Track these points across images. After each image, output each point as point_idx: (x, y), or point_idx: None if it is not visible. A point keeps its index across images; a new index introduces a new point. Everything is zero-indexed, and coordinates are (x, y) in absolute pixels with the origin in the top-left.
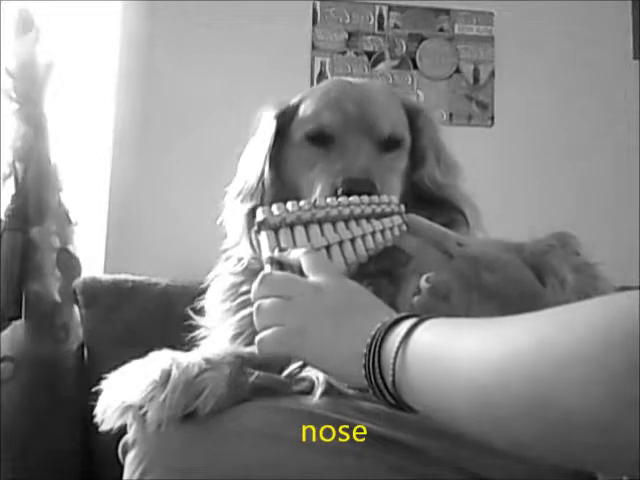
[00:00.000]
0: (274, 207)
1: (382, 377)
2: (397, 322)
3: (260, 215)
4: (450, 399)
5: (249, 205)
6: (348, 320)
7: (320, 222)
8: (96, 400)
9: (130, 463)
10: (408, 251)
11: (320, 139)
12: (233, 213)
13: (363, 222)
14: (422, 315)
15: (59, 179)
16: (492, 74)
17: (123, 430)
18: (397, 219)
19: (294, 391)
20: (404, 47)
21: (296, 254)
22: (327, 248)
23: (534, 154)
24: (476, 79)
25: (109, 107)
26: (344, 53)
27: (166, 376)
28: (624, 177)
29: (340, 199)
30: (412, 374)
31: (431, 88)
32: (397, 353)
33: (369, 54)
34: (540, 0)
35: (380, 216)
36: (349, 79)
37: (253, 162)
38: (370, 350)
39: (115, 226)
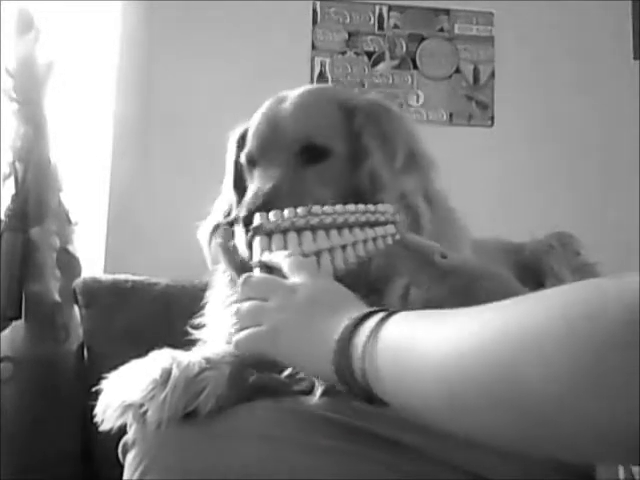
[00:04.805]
0: (271, 214)
1: (352, 372)
2: (367, 317)
3: (257, 220)
4: (420, 392)
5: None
6: (319, 318)
7: (313, 229)
8: (96, 400)
9: (130, 463)
10: (398, 262)
11: (251, 164)
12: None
13: (356, 230)
14: (391, 309)
15: (59, 179)
16: (492, 74)
17: (123, 430)
18: (390, 228)
19: (294, 391)
20: (404, 47)
21: (278, 257)
22: (318, 254)
23: (534, 154)
24: (476, 79)
25: (109, 107)
26: (344, 53)
27: (166, 375)
28: (624, 177)
29: (336, 207)
30: (381, 367)
31: (431, 88)
32: (365, 347)
33: (369, 54)
34: (540, 0)
35: (374, 224)
36: (286, 93)
37: (225, 187)
38: (339, 345)
39: (115, 226)
